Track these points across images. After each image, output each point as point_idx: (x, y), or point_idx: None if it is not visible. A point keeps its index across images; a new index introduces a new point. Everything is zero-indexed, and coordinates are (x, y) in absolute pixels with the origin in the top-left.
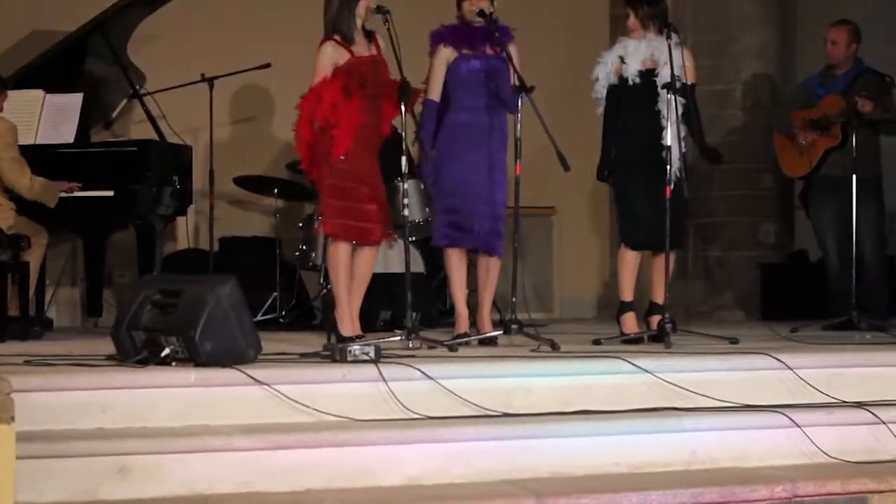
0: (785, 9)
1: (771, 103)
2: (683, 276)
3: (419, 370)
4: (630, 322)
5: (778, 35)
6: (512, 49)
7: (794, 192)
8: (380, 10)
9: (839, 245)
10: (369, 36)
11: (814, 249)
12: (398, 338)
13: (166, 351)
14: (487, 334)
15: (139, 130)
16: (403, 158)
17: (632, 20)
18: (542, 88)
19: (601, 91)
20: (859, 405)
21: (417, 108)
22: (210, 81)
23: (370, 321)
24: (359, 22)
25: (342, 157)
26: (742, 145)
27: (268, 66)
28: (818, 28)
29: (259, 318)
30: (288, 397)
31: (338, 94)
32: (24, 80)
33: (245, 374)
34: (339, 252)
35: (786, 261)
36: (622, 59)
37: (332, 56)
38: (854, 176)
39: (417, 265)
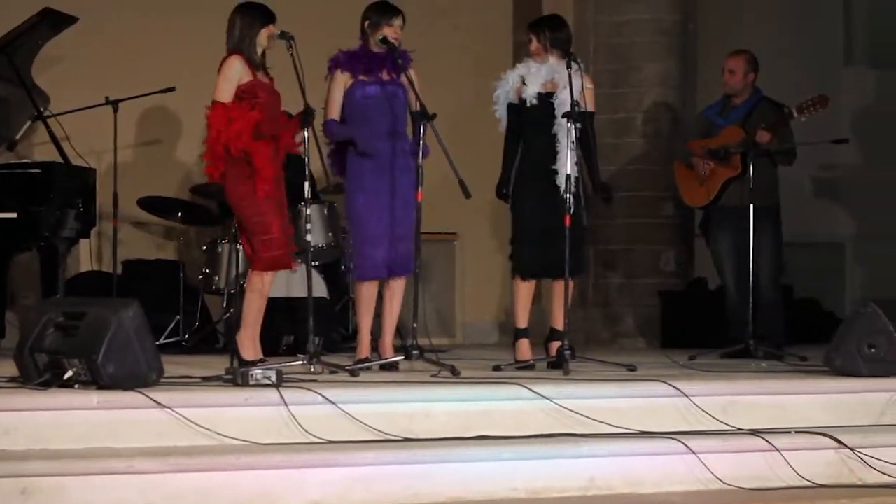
0: (686, 38)
1: (672, 132)
2: (584, 303)
3: (320, 395)
4: (523, 349)
5: (679, 64)
6: (413, 74)
7: (695, 220)
8: (283, 35)
9: (737, 273)
10: (265, 69)
11: (713, 278)
12: (300, 362)
13: (69, 373)
14: (389, 359)
15: (43, 152)
16: (306, 184)
17: (534, 45)
18: (445, 114)
19: (501, 109)
20: (753, 432)
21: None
22: (114, 104)
23: (273, 345)
24: (259, 49)
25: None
26: (643, 173)
27: (172, 89)
28: (719, 57)
29: (162, 341)
30: (190, 421)
31: (248, 129)
32: None
33: (148, 397)
34: (266, 281)
35: (685, 289)
36: (523, 80)
37: (238, 71)
38: (752, 205)
39: (320, 289)
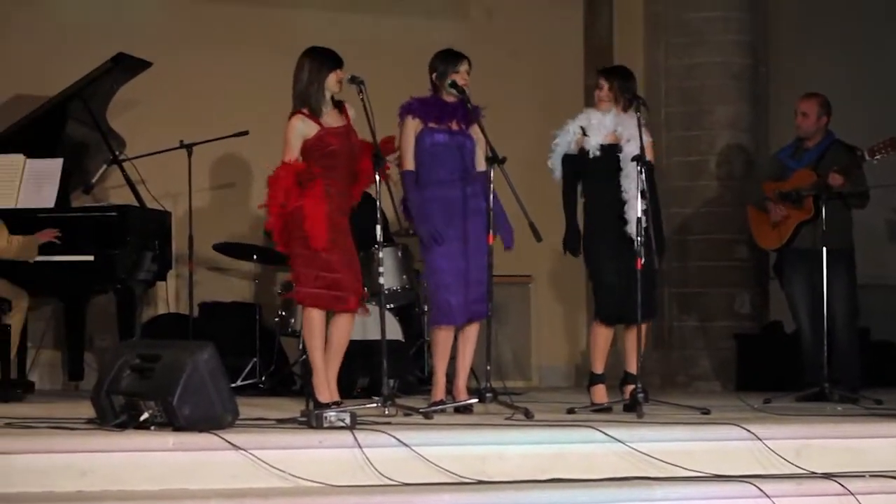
0: (757, 81)
1: (744, 174)
2: (660, 346)
3: (394, 437)
4: (600, 393)
5: (750, 107)
6: (481, 125)
7: (770, 262)
8: (354, 80)
9: (811, 316)
10: (339, 105)
11: (789, 321)
12: (375, 405)
13: (145, 415)
14: (463, 402)
15: (120, 195)
16: (378, 227)
17: (605, 91)
18: (516, 157)
19: (556, 161)
20: (828, 476)
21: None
22: (188, 148)
23: (348, 388)
24: (328, 94)
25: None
26: (716, 216)
27: (245, 133)
28: (791, 100)
29: (239, 383)
30: (265, 462)
31: (291, 182)
32: (6, 144)
33: (223, 438)
34: (314, 319)
35: (761, 332)
36: (584, 131)
37: (301, 130)
38: (825, 248)
39: (395, 332)
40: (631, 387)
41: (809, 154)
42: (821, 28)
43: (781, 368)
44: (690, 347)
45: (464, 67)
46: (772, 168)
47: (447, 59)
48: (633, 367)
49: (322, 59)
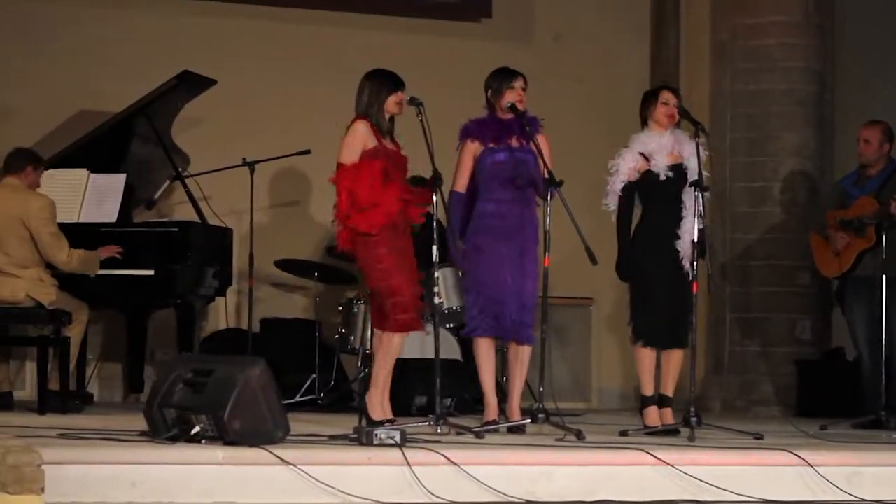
0: (822, 108)
1: (808, 201)
2: (719, 371)
3: (443, 455)
4: (652, 416)
5: (816, 133)
6: (541, 140)
7: (832, 289)
8: (413, 101)
9: (871, 344)
10: (392, 136)
11: (851, 347)
12: (427, 423)
13: (196, 429)
14: (516, 422)
15: (183, 211)
16: (434, 247)
17: (671, 106)
18: (582, 182)
19: (618, 185)
20: None
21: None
22: (251, 165)
23: (406, 406)
24: (387, 116)
25: (374, 233)
26: (780, 242)
27: (308, 152)
28: (856, 127)
29: (297, 399)
30: (314, 478)
31: (377, 175)
32: (70, 158)
33: (272, 453)
34: (395, 343)
35: (822, 358)
36: (645, 156)
37: (364, 135)
38: (885, 276)
39: (454, 352)
40: (667, 410)
41: (872, 182)
42: (887, 56)
43: (842, 395)
44: (751, 372)
45: (518, 84)
46: (834, 196)
47: (501, 76)
48: (668, 390)
49: (382, 81)
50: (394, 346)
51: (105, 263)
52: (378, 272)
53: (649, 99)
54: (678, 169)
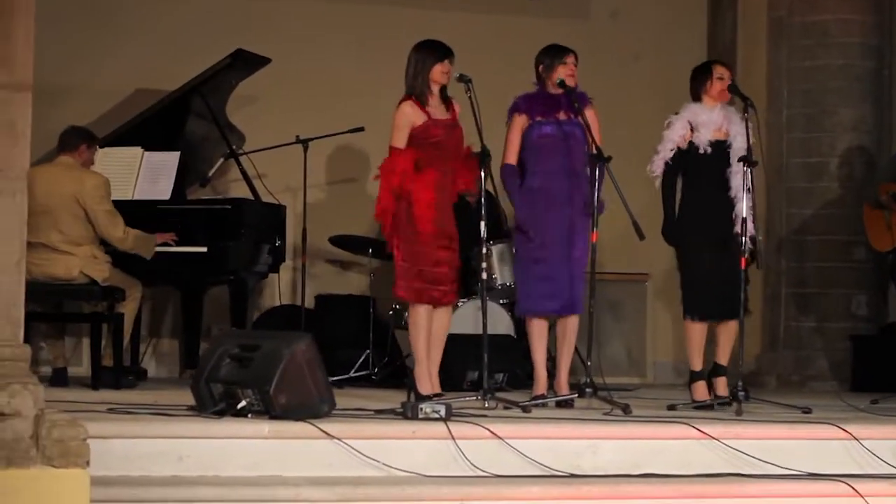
0: (880, 83)
1: (865, 176)
2: (774, 346)
3: (488, 429)
4: (700, 390)
5: (873, 109)
6: (590, 115)
7: (888, 264)
8: (462, 78)
9: None
10: (447, 100)
11: None
12: (475, 397)
13: (242, 403)
14: (563, 397)
15: (237, 189)
16: (482, 224)
17: (726, 81)
18: (637, 160)
19: (669, 153)
20: None
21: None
22: (304, 143)
23: (458, 381)
24: (434, 87)
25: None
26: (836, 217)
27: (361, 129)
28: None
29: (352, 374)
30: (359, 451)
31: (409, 166)
32: (125, 137)
33: (317, 427)
34: (419, 314)
35: (878, 333)
36: (692, 126)
37: (409, 116)
38: None
39: (506, 327)
40: (721, 379)
41: None
42: None
43: None
44: (807, 348)
45: (570, 60)
46: (890, 168)
47: (553, 52)
48: (722, 359)
49: (427, 52)
50: (421, 318)
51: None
52: (408, 237)
53: (702, 74)
54: (721, 145)
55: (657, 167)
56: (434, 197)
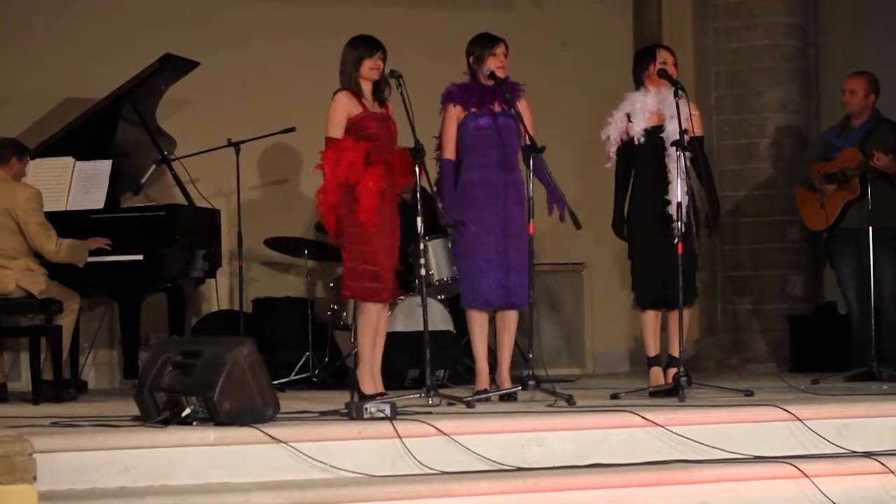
0: (806, 63)
1: (795, 156)
2: (712, 330)
3: (433, 426)
4: (655, 376)
5: (800, 88)
6: (522, 106)
7: (822, 243)
8: (393, 74)
9: (860, 296)
10: (381, 99)
11: (843, 301)
12: (418, 395)
13: (187, 411)
14: (506, 390)
15: (171, 195)
16: (419, 219)
17: (670, 66)
18: (568, 146)
19: (613, 150)
20: (868, 455)
21: (434, 166)
22: (236, 146)
23: (398, 379)
24: (364, 83)
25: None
26: (768, 198)
27: (292, 130)
28: (839, 79)
29: (292, 377)
30: (305, 454)
31: (359, 157)
32: (56, 147)
33: (263, 432)
34: (371, 314)
35: (814, 313)
36: (629, 118)
37: (345, 105)
38: (871, 227)
39: (445, 322)
40: (673, 370)
41: (856, 133)
42: (871, 8)
43: (834, 349)
44: (744, 330)
45: (500, 50)
46: (818, 148)
47: (483, 42)
48: (675, 351)
49: (357, 47)
50: (371, 319)
51: (94, 251)
52: (355, 236)
53: (645, 58)
54: (657, 131)
55: (609, 161)
56: (382, 188)
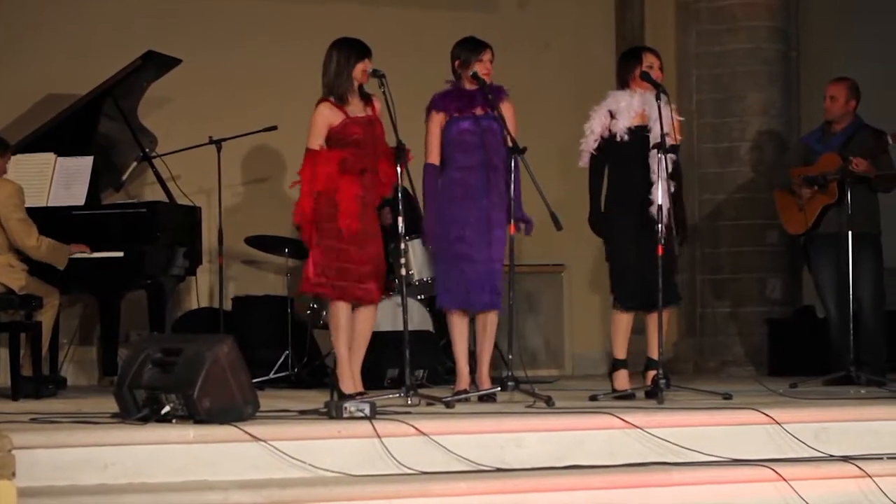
0: (788, 67)
1: (776, 160)
2: (691, 333)
3: (413, 426)
4: (621, 379)
5: (782, 93)
6: (505, 109)
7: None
8: (376, 73)
9: (838, 300)
10: (366, 98)
11: (821, 305)
12: (397, 395)
13: (167, 408)
14: (485, 391)
15: (152, 192)
16: (400, 219)
17: (656, 70)
18: (551, 148)
19: (592, 144)
20: (846, 459)
21: (417, 171)
22: (217, 144)
23: (378, 379)
24: (355, 84)
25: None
26: (748, 202)
27: (274, 128)
28: (822, 85)
29: (271, 376)
30: (285, 453)
31: (333, 169)
32: (37, 143)
33: (242, 430)
34: (339, 312)
35: (792, 316)
36: (612, 115)
37: (327, 117)
38: (850, 232)
39: (425, 323)
40: (653, 373)
41: (836, 138)
42: (852, 12)
43: (812, 353)
44: (722, 333)
45: (486, 56)
46: (798, 153)
47: (469, 47)
48: (654, 353)
49: (349, 50)
50: (339, 317)
51: None
52: (330, 233)
53: (630, 60)
54: (642, 131)
55: (584, 160)
56: (359, 194)
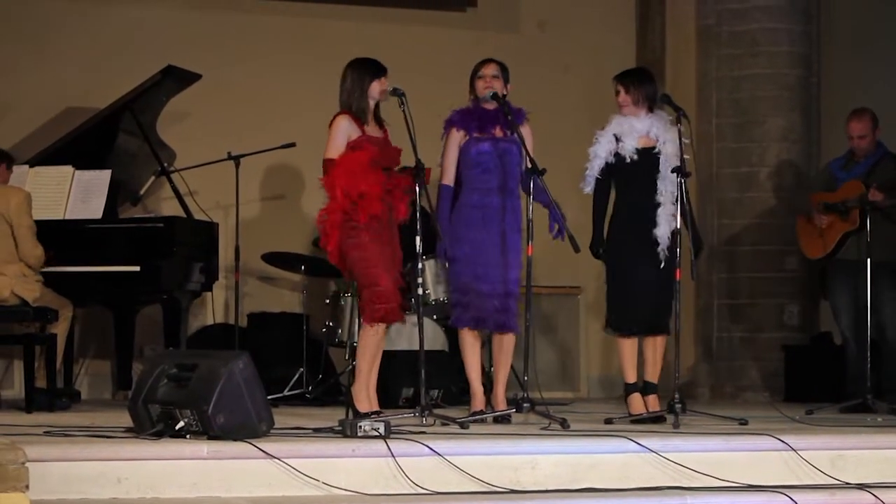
0: (808, 92)
1: (795, 185)
2: (708, 357)
3: (427, 446)
4: (636, 403)
5: (802, 118)
6: (525, 131)
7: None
8: (395, 92)
9: (855, 327)
10: (380, 122)
11: (838, 332)
12: (412, 414)
13: (181, 424)
14: (501, 412)
15: (169, 207)
16: (418, 238)
17: (622, 97)
18: (570, 170)
19: (596, 170)
20: (861, 486)
21: (433, 190)
22: (236, 159)
23: (393, 398)
24: (371, 102)
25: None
26: (766, 227)
27: (292, 145)
28: (842, 110)
29: (286, 393)
30: (298, 471)
31: (365, 162)
32: (56, 156)
33: (256, 447)
34: (379, 334)
35: (809, 343)
36: (617, 138)
37: (346, 130)
38: (868, 260)
39: (441, 343)
40: (651, 397)
41: (860, 166)
42: (873, 39)
43: (829, 380)
44: (739, 359)
45: (487, 71)
46: (822, 178)
47: (475, 68)
48: (651, 377)
49: (364, 69)
50: (371, 337)
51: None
52: (360, 261)
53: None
54: (649, 152)
55: (588, 184)
56: (381, 194)
